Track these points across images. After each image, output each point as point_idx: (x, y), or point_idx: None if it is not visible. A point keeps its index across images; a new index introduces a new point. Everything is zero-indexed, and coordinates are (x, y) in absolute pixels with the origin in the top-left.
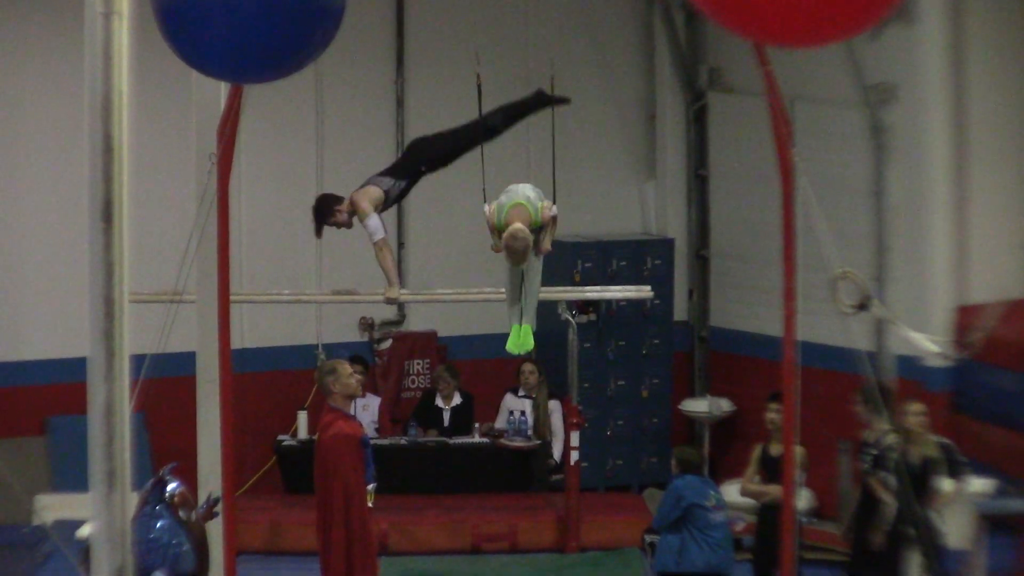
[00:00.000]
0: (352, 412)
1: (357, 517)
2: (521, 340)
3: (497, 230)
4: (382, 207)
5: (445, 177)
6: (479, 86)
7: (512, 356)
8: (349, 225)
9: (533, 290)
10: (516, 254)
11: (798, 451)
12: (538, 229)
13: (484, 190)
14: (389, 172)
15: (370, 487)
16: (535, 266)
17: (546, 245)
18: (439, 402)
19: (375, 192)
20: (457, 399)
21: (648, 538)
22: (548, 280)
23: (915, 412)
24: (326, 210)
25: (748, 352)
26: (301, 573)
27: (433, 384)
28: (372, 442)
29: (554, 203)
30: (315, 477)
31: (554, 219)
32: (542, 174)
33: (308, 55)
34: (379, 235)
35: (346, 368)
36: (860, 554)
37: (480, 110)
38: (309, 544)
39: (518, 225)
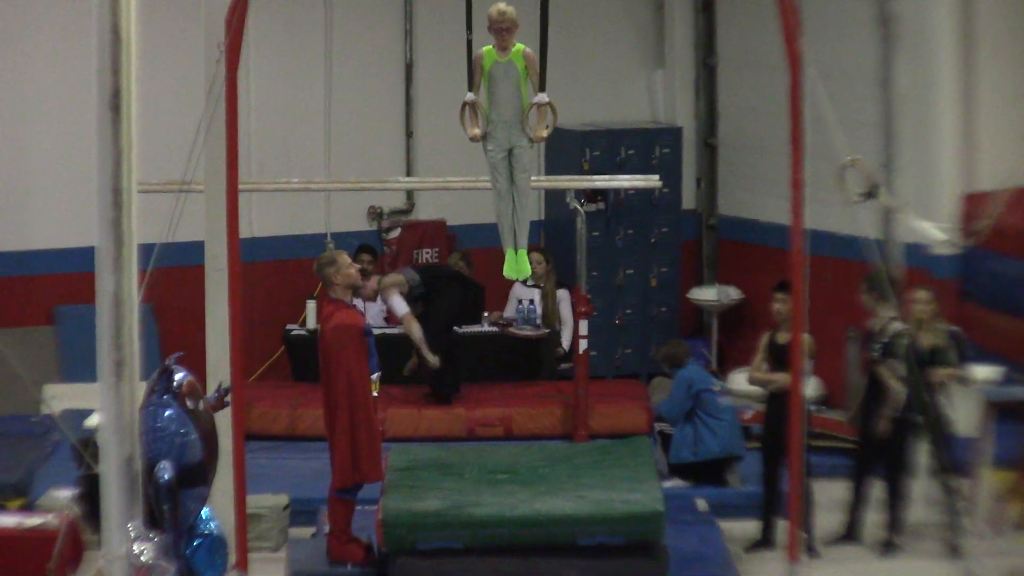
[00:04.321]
0: (360, 302)
1: (361, 407)
2: (519, 265)
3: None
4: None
5: (452, 67)
6: None
7: None
8: (372, 299)
9: (525, 213)
10: (502, 33)
11: (805, 339)
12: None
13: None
14: (417, 270)
15: (374, 376)
16: (525, 188)
17: (541, 132)
18: None
19: (399, 278)
20: None
21: (658, 426)
22: (556, 169)
23: (922, 300)
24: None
25: (756, 240)
26: (311, 460)
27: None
28: (381, 332)
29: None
30: (320, 369)
31: (552, 108)
32: (549, 62)
33: None
34: (401, 312)
35: (346, 258)
36: (867, 441)
37: (468, 8)
38: (320, 430)
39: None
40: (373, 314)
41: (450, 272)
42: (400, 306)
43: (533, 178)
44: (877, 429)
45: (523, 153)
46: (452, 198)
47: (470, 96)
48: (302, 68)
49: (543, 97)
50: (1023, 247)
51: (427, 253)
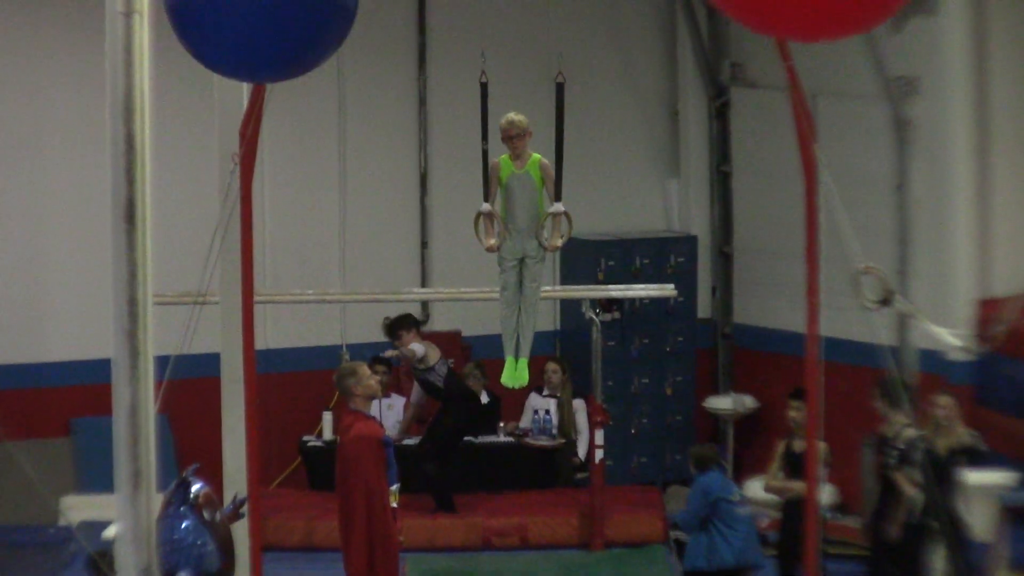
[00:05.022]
0: (377, 412)
1: (379, 518)
2: (517, 374)
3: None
4: (426, 360)
5: (466, 177)
6: (484, 84)
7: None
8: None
9: (530, 323)
10: (513, 141)
11: (821, 447)
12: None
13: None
14: (450, 369)
15: (393, 487)
16: (533, 298)
17: (556, 241)
18: None
19: (434, 350)
20: (484, 398)
21: (674, 534)
22: (572, 278)
23: (943, 405)
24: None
25: (772, 348)
26: (327, 571)
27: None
28: (398, 443)
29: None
30: (336, 479)
31: (567, 218)
32: (564, 171)
33: (322, 53)
34: (412, 349)
35: (366, 370)
36: (880, 547)
37: (484, 108)
38: (336, 541)
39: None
40: (389, 425)
41: (469, 392)
42: (418, 349)
43: (548, 288)
44: (887, 534)
45: (534, 263)
46: (467, 309)
47: (485, 207)
48: (316, 178)
49: (559, 207)
50: None
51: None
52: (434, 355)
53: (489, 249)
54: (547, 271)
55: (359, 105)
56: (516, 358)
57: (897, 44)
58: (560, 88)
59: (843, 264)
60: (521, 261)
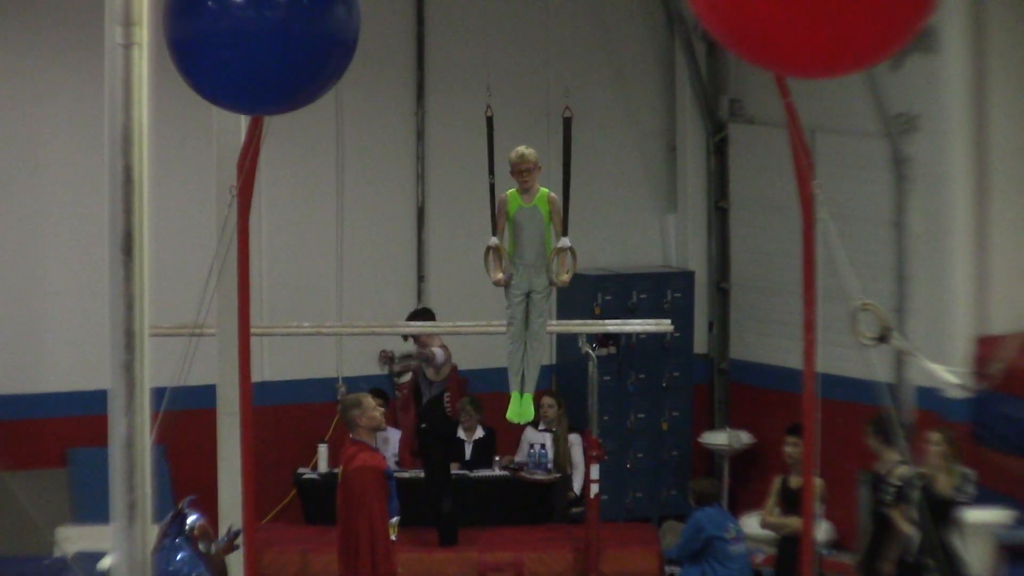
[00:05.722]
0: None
1: (382, 549)
2: (522, 410)
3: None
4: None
5: (465, 210)
6: (489, 118)
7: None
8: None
9: (536, 358)
10: (523, 175)
11: (817, 483)
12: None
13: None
14: (441, 395)
15: (393, 520)
16: (539, 333)
17: (563, 276)
18: (461, 434)
19: (447, 367)
20: (479, 432)
21: (668, 569)
22: (568, 313)
23: (935, 442)
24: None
25: (768, 384)
26: None
27: (455, 416)
28: (397, 475)
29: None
30: (338, 509)
31: (572, 253)
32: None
33: (321, 86)
34: (435, 352)
35: (370, 401)
36: None
37: (490, 142)
38: (332, 574)
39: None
40: (384, 457)
41: (443, 424)
42: (439, 354)
43: None
44: (881, 571)
45: (541, 298)
46: (463, 342)
47: (494, 240)
48: (314, 211)
49: (565, 242)
50: None
51: None
52: (445, 371)
53: (496, 283)
54: (549, 307)
55: (357, 138)
56: (521, 393)
57: (897, 81)
58: (568, 123)
59: (841, 300)
60: (527, 296)
